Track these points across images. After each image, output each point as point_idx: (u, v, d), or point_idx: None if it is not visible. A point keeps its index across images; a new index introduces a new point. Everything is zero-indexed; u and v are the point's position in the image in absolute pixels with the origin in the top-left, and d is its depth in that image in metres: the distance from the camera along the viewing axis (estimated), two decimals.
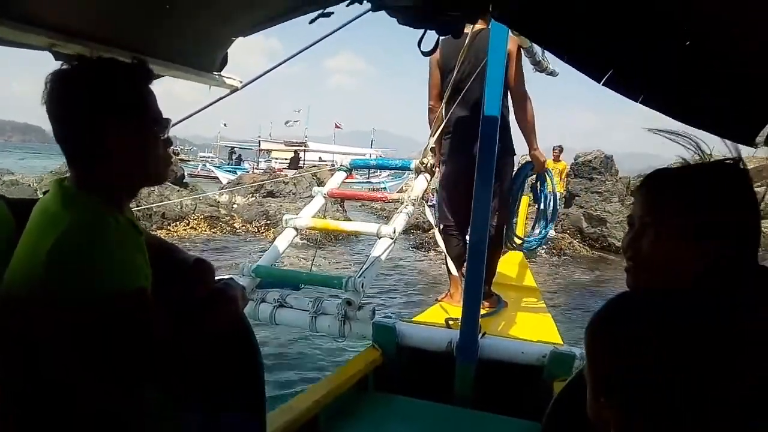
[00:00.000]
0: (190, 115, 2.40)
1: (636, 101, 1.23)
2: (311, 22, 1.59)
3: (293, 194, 15.38)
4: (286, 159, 32.34)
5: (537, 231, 4.52)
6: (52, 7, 1.30)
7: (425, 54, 2.40)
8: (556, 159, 11.85)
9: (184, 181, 18.46)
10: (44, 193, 1.10)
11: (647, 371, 0.64)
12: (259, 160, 36.16)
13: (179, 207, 10.97)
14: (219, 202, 13.11)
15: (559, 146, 12.24)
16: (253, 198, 14.45)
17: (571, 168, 13.97)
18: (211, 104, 2.42)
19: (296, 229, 3.16)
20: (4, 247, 1.04)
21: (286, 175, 18.35)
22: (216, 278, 1.27)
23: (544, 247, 10.12)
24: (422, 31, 1.67)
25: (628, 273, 0.95)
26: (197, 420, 1.15)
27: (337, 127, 41.83)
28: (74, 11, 1.34)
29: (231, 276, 1.63)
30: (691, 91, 1.21)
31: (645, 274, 0.92)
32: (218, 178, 27.21)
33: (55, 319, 0.95)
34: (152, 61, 1.58)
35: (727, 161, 0.90)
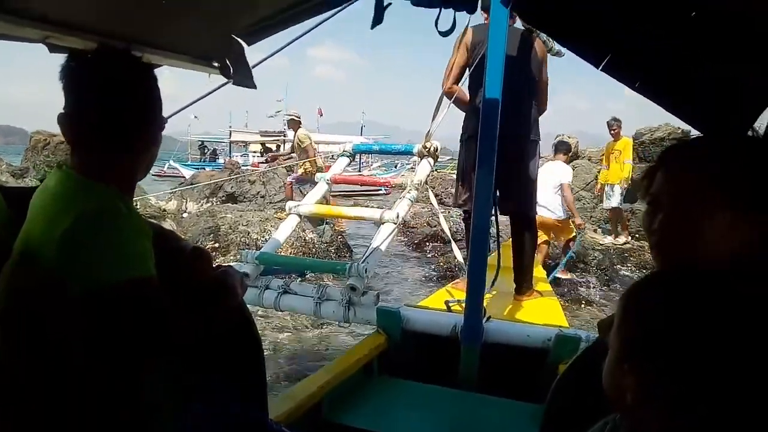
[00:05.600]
0: (190, 104, 2.40)
1: (632, 88, 1.23)
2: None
3: (262, 197, 11.64)
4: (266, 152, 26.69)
5: None
6: None
7: (443, 34, 2.34)
8: (617, 137, 8.29)
9: None
10: (41, 180, 1.09)
11: (669, 342, 0.63)
12: (234, 153, 30.81)
13: None
14: (165, 210, 10.03)
15: (614, 119, 8.35)
16: (209, 204, 10.76)
17: (633, 149, 9.03)
18: (211, 92, 2.41)
19: (300, 216, 3.17)
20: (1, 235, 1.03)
21: (252, 173, 14.55)
22: (215, 266, 1.27)
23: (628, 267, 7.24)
24: (437, 11, 1.67)
25: (655, 258, 0.89)
26: (198, 408, 1.16)
27: (319, 114, 39.95)
28: (68, 2, 1.33)
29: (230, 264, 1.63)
30: (683, 83, 1.21)
31: (676, 255, 0.84)
32: (185, 178, 19.97)
33: (64, 305, 0.94)
34: (151, 51, 1.58)
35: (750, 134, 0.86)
